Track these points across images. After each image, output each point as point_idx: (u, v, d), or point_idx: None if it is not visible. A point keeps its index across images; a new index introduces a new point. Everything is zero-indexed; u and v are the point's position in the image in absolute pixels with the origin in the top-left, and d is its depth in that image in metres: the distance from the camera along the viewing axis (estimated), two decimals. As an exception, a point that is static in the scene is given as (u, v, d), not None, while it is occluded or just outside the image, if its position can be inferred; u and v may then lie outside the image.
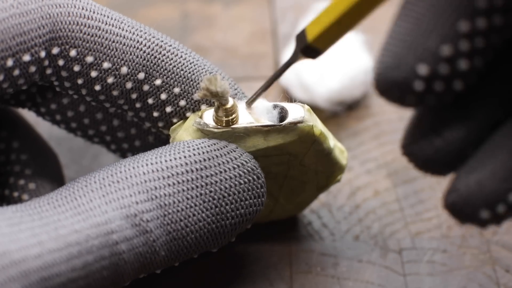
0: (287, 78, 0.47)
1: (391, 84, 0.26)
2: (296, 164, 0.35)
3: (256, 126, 0.33)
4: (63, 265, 0.28)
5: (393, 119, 0.46)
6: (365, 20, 0.55)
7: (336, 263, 0.39)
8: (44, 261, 0.28)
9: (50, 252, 0.28)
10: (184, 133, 0.33)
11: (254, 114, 0.33)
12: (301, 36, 0.31)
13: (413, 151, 0.28)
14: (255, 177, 0.33)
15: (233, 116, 0.33)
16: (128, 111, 0.34)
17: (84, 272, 0.29)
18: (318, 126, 0.34)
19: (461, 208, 0.27)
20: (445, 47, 0.25)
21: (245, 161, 0.33)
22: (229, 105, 0.32)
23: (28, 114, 0.39)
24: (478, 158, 0.27)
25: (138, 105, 0.34)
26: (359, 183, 0.43)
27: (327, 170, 0.36)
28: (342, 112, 0.46)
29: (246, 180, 0.33)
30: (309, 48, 0.31)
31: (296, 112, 0.33)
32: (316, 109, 0.46)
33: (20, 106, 0.37)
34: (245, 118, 0.33)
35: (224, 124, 0.33)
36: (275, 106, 0.34)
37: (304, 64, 0.46)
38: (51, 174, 0.37)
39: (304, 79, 0.46)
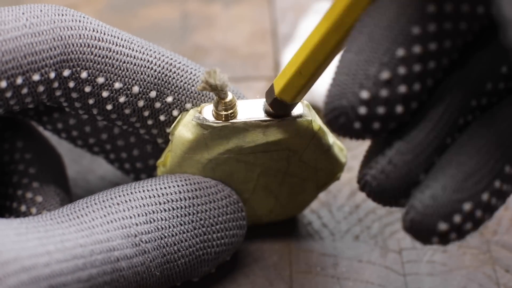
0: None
1: (338, 112, 0.28)
2: (295, 160, 0.35)
3: (255, 120, 0.33)
4: (70, 276, 0.29)
5: (393, 119, 0.46)
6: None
7: (336, 263, 0.39)
8: (52, 270, 0.29)
9: (58, 262, 0.29)
10: (183, 128, 0.34)
11: (253, 110, 0.34)
12: (270, 91, 0.33)
13: (367, 180, 0.29)
14: (239, 208, 0.35)
15: (232, 110, 0.33)
16: (140, 128, 0.35)
17: (88, 285, 0.30)
18: (317, 121, 0.34)
19: (420, 224, 0.28)
20: (384, 73, 0.27)
21: (231, 194, 0.35)
22: (228, 99, 0.33)
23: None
24: (430, 176, 0.29)
25: (150, 122, 0.35)
26: (359, 183, 0.42)
27: (326, 167, 0.36)
28: (342, 112, 0.46)
29: (231, 210, 0.35)
30: (278, 101, 0.32)
31: (295, 108, 0.34)
32: (316, 109, 0.46)
33: (27, 117, 0.38)
34: (244, 114, 0.34)
35: (223, 119, 0.33)
36: None
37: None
38: (54, 173, 0.37)
39: (304, 79, 0.46)
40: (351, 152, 0.44)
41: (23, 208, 0.36)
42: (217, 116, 0.33)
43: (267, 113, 0.34)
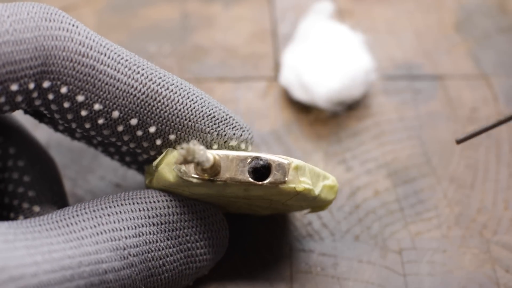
0: (287, 78, 0.47)
1: None
2: (279, 204, 0.35)
3: (235, 182, 0.32)
4: (57, 286, 0.29)
5: (393, 119, 0.46)
6: (365, 20, 0.56)
7: (336, 263, 0.39)
8: (40, 280, 0.29)
9: (46, 273, 0.29)
10: (166, 168, 0.33)
11: (236, 166, 0.32)
12: None
13: None
14: (223, 227, 0.35)
15: (214, 172, 0.32)
16: (123, 145, 0.34)
17: None
18: (303, 184, 0.33)
19: None
20: None
21: (217, 212, 0.35)
22: (208, 165, 0.31)
23: (25, 119, 0.39)
24: None
25: (132, 145, 0.33)
26: (359, 183, 0.43)
27: (313, 206, 0.36)
28: (342, 112, 0.46)
29: (217, 228, 0.35)
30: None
31: (280, 170, 0.32)
32: (316, 109, 0.46)
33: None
34: (226, 170, 0.32)
35: (204, 177, 0.32)
36: (260, 159, 0.32)
37: (304, 64, 0.46)
38: (50, 180, 0.37)
39: (304, 79, 0.46)
40: (351, 152, 0.44)
41: (21, 218, 0.35)
42: (198, 173, 0.32)
43: (250, 172, 0.32)
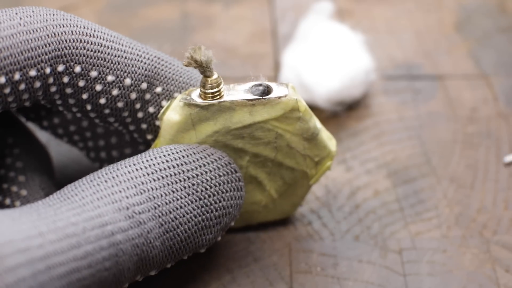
0: (287, 78, 0.47)
1: None
2: (283, 145, 0.35)
3: (241, 100, 0.34)
4: (65, 255, 0.29)
5: (393, 119, 0.46)
6: (365, 20, 0.56)
7: (336, 263, 0.39)
8: (47, 250, 0.29)
9: (51, 242, 0.29)
10: (171, 112, 0.34)
11: (239, 92, 0.34)
12: None
13: None
14: (232, 170, 0.35)
15: (218, 89, 0.34)
16: (130, 124, 0.36)
17: (86, 262, 0.30)
18: (303, 102, 0.35)
19: None
20: None
21: (221, 156, 0.35)
22: (213, 77, 0.34)
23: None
24: None
25: (140, 114, 0.35)
26: (359, 183, 0.43)
27: (314, 154, 0.36)
28: (342, 112, 0.46)
29: (224, 172, 0.35)
30: None
31: (280, 89, 0.34)
32: (316, 109, 0.46)
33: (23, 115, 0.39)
34: (230, 95, 0.34)
35: (210, 98, 0.34)
36: (259, 84, 0.35)
37: (304, 64, 0.46)
38: (41, 168, 0.38)
39: (304, 79, 0.46)
40: (351, 152, 0.44)
41: (8, 201, 0.36)
42: (204, 96, 0.34)
43: (253, 94, 0.35)
